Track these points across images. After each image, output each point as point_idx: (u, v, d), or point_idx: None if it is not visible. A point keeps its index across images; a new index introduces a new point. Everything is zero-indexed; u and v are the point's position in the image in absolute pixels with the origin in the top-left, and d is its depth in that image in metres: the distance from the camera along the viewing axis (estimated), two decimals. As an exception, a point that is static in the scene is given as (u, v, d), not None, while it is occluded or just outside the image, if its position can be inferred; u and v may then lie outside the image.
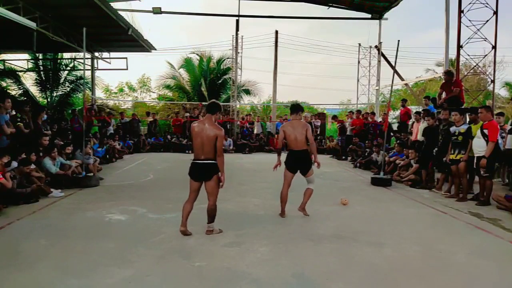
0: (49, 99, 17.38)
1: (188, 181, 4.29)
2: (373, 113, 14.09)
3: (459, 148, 6.47)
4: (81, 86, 16.79)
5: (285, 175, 5.17)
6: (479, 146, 6.11)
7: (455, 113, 6.67)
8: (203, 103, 18.66)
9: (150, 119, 16.19)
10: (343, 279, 3.22)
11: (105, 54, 16.08)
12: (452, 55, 12.99)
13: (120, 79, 31.95)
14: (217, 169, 4.13)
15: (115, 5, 13.24)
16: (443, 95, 8.74)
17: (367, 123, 12.90)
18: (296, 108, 5.15)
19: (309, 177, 5.20)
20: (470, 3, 11.89)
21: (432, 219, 5.34)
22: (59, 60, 17.50)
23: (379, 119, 13.67)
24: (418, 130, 8.66)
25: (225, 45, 37.33)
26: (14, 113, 7.68)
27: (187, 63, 21.22)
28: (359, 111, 13.96)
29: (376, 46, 18.92)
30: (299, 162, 5.09)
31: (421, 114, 8.76)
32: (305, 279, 3.21)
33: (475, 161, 6.19)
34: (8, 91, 16.11)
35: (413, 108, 13.35)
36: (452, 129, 6.67)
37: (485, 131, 6.03)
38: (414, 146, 8.56)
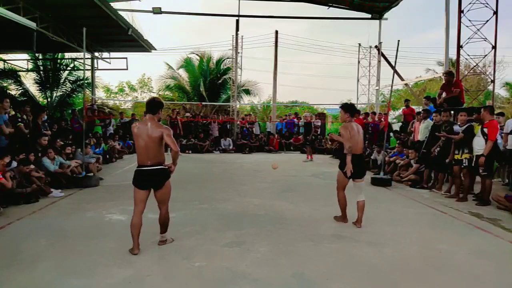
0: (49, 99, 17.40)
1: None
2: (374, 113, 14.09)
3: (463, 148, 6.46)
4: (82, 86, 16.81)
5: (342, 180, 4.79)
6: (479, 145, 6.13)
7: (463, 114, 6.64)
8: (203, 103, 18.72)
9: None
10: (343, 279, 3.22)
11: (105, 54, 16.09)
12: (452, 55, 12.98)
13: (120, 79, 32.01)
14: (168, 175, 3.74)
15: (115, 5, 13.24)
16: (443, 95, 8.73)
17: (367, 123, 12.90)
18: (352, 109, 4.86)
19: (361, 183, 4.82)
20: (470, 3, 11.89)
21: (432, 219, 5.33)
22: (59, 60, 17.52)
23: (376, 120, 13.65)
24: (418, 130, 8.67)
25: (225, 45, 37.33)
26: (13, 113, 7.67)
27: (187, 63, 21.23)
28: (358, 111, 13.94)
29: (376, 46, 18.92)
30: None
31: (421, 114, 8.76)
32: (305, 279, 3.21)
33: (474, 159, 6.22)
34: (8, 91, 16.12)
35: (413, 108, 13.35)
36: (456, 129, 6.67)
37: (485, 130, 6.05)
38: (415, 146, 8.56)
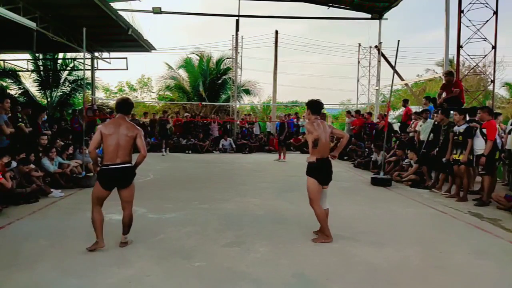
0: (49, 99, 17.40)
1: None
2: (369, 113, 14.09)
3: (461, 148, 6.50)
4: (82, 87, 16.82)
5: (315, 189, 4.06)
6: (478, 145, 6.22)
7: (454, 113, 6.72)
8: (203, 103, 18.72)
9: (149, 118, 16.18)
10: (343, 279, 3.22)
11: (105, 54, 16.09)
12: (452, 55, 13.00)
13: (120, 79, 31.96)
14: (134, 174, 3.79)
15: (115, 5, 13.24)
16: (443, 95, 8.75)
17: (366, 123, 12.93)
18: (313, 105, 4.40)
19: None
20: (470, 3, 11.90)
21: (432, 219, 5.34)
22: (59, 60, 17.51)
23: (376, 120, 13.66)
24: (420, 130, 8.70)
25: (225, 45, 37.29)
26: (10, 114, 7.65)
27: (187, 63, 21.22)
28: (358, 111, 13.96)
29: (376, 46, 18.91)
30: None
31: (423, 114, 8.76)
32: (305, 279, 3.21)
33: (474, 159, 6.29)
34: (8, 91, 16.14)
35: (413, 108, 13.35)
36: (455, 128, 6.71)
37: (484, 130, 6.15)
38: (415, 147, 8.58)
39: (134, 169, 3.77)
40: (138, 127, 3.81)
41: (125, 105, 3.82)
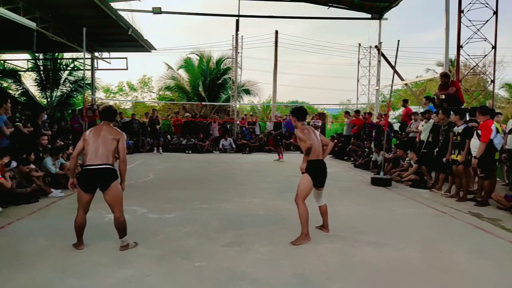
0: (49, 99, 17.40)
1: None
2: (369, 113, 14.08)
3: (459, 148, 6.52)
4: (82, 87, 16.82)
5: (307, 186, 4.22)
6: (475, 146, 6.18)
7: (452, 114, 6.74)
8: (203, 103, 18.72)
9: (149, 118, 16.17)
10: (343, 279, 3.22)
11: (105, 54, 16.10)
12: (452, 55, 13.01)
13: (120, 79, 31.95)
14: (116, 175, 3.65)
15: (115, 5, 13.25)
16: (442, 96, 8.79)
17: (366, 123, 12.91)
18: (295, 111, 4.43)
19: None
20: (470, 3, 11.92)
21: (432, 219, 5.34)
22: (59, 60, 17.53)
23: (375, 120, 13.64)
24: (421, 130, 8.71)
25: (225, 45, 37.29)
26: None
27: (187, 63, 21.21)
28: (358, 111, 13.95)
29: (376, 46, 18.92)
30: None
31: (426, 115, 8.77)
32: (305, 279, 3.21)
33: (472, 160, 6.27)
34: (8, 91, 16.16)
35: (413, 108, 13.33)
36: (455, 129, 6.73)
37: (479, 131, 6.09)
38: (415, 147, 8.59)
39: (114, 170, 3.65)
40: (122, 132, 3.78)
41: (108, 113, 3.84)
